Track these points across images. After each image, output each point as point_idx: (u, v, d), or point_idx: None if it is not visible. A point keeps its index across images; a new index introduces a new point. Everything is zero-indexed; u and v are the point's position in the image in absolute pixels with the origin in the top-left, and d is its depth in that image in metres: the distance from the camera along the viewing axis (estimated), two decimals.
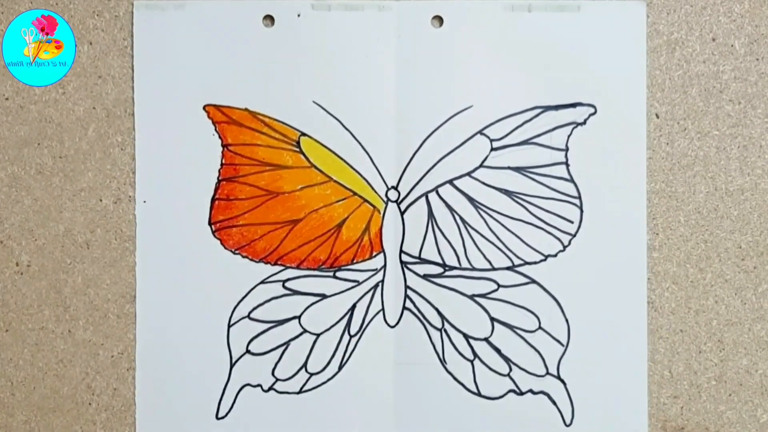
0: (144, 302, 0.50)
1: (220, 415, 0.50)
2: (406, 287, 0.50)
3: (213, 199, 0.50)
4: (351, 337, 0.50)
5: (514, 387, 0.50)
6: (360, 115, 0.50)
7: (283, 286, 0.50)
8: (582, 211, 0.50)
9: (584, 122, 0.50)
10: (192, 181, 0.50)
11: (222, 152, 0.51)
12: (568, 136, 0.50)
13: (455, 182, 0.50)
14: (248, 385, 0.50)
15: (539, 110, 0.50)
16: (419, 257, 0.50)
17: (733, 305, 0.51)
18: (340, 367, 0.50)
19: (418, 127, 0.50)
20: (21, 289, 0.51)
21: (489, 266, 0.50)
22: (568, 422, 0.50)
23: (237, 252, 0.50)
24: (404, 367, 0.50)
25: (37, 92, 0.51)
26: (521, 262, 0.50)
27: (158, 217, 0.50)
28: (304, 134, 0.50)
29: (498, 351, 0.50)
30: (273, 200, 0.50)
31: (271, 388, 0.50)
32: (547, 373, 0.50)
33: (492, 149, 0.50)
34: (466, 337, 0.50)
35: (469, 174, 0.50)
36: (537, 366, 0.50)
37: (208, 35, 0.50)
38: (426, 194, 0.50)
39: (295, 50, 0.50)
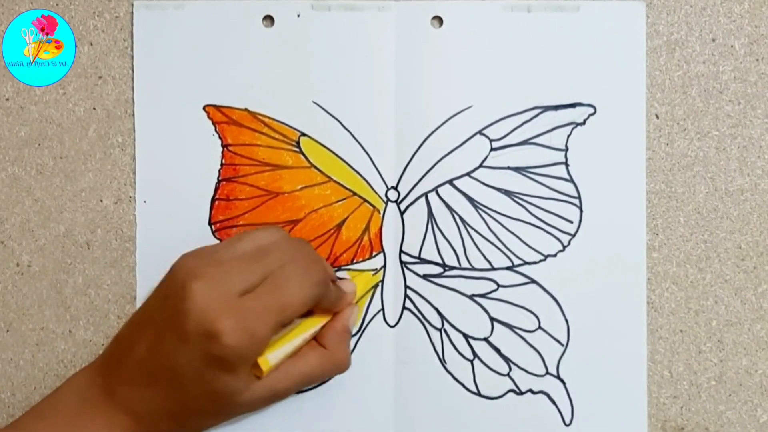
0: None
1: None
2: (406, 287, 0.50)
3: (213, 199, 0.50)
4: (351, 336, 0.50)
5: (513, 387, 0.50)
6: (360, 115, 0.50)
7: None
8: (581, 211, 0.50)
9: (584, 122, 0.50)
10: (192, 181, 0.50)
11: (222, 152, 0.51)
12: (568, 137, 0.50)
13: (455, 182, 0.50)
14: None
15: (539, 110, 0.50)
16: (419, 257, 0.50)
17: (732, 305, 0.51)
18: None
19: (417, 127, 0.50)
20: (22, 290, 0.51)
21: (489, 266, 0.50)
22: (567, 422, 0.50)
23: None
24: (404, 367, 0.50)
25: (37, 92, 0.51)
26: (521, 262, 0.50)
27: (158, 217, 0.50)
28: (303, 134, 0.50)
29: (498, 351, 0.50)
30: (273, 200, 0.51)
31: None
32: (547, 372, 0.50)
33: (492, 149, 0.50)
34: (466, 336, 0.50)
35: (468, 174, 0.50)
36: (536, 366, 0.50)
37: (208, 35, 0.50)
38: (426, 194, 0.50)
39: (295, 50, 0.50)
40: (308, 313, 0.46)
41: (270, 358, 0.43)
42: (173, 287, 0.43)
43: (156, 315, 0.44)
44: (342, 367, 0.48)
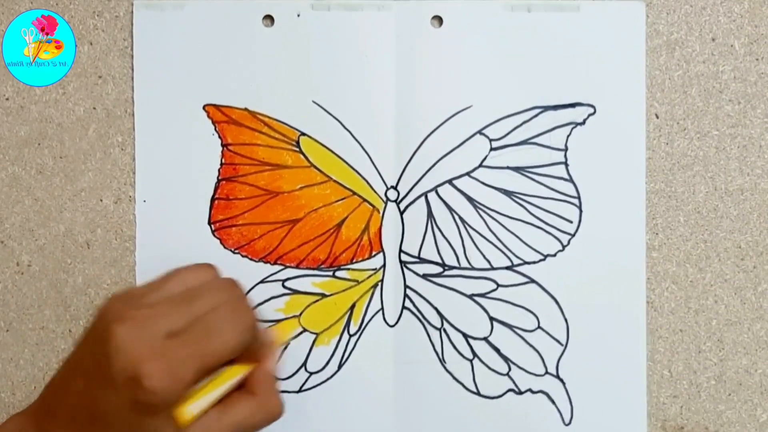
0: None
1: None
2: (406, 287, 0.50)
3: (213, 199, 0.50)
4: (350, 336, 0.50)
5: (513, 386, 0.50)
6: (360, 115, 0.50)
7: (283, 286, 0.50)
8: (581, 211, 0.50)
9: (583, 122, 0.50)
10: (192, 180, 0.51)
11: (222, 152, 0.51)
12: (568, 136, 0.50)
13: (454, 182, 0.50)
14: None
15: (538, 110, 0.50)
16: (418, 257, 0.50)
17: (732, 305, 0.51)
18: (340, 367, 0.50)
19: (417, 127, 0.50)
20: (22, 289, 0.51)
21: (488, 266, 0.50)
22: (567, 421, 0.50)
23: (237, 251, 0.50)
24: (404, 367, 0.50)
25: (37, 92, 0.51)
26: (520, 261, 0.50)
27: (158, 216, 0.50)
28: (303, 134, 0.50)
29: (497, 350, 0.50)
30: (272, 200, 0.51)
31: None
32: (546, 372, 0.50)
33: (491, 149, 0.50)
34: (466, 336, 0.50)
35: (468, 174, 0.50)
36: (536, 365, 0.50)
37: (208, 35, 0.50)
38: (425, 194, 0.50)
39: (295, 50, 0.50)
40: (230, 361, 0.44)
41: (190, 409, 0.41)
42: (99, 331, 0.41)
43: (84, 360, 0.42)
44: (275, 414, 0.45)
